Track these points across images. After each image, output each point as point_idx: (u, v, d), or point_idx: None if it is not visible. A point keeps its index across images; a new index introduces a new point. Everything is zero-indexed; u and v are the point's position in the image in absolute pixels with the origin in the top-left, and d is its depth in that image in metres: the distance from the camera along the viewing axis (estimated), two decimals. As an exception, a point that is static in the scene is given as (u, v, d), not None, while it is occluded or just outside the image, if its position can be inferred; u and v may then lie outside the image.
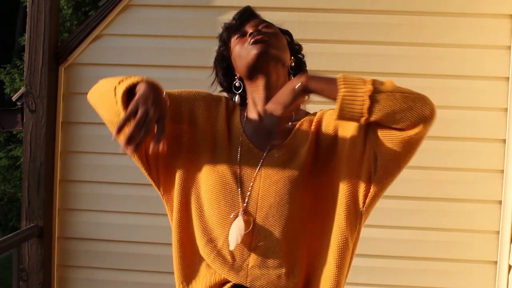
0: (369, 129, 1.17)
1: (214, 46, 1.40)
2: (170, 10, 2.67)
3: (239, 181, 1.24)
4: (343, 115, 1.11)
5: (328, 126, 1.26)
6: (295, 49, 1.38)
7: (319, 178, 1.24)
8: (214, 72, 1.41)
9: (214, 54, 1.40)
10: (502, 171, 2.51)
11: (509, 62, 2.50)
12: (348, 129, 1.22)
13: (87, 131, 2.70)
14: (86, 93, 1.44)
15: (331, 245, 1.20)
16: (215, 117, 1.33)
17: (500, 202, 2.51)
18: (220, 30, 1.37)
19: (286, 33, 1.37)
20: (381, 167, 1.22)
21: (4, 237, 2.43)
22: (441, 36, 2.55)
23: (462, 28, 2.54)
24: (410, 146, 1.17)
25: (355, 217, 1.21)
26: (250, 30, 1.28)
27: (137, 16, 2.67)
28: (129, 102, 1.18)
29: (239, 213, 1.22)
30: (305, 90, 1.15)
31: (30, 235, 2.58)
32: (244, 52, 1.27)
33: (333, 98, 1.11)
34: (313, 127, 1.27)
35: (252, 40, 1.25)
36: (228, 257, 1.22)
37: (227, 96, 1.40)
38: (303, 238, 1.22)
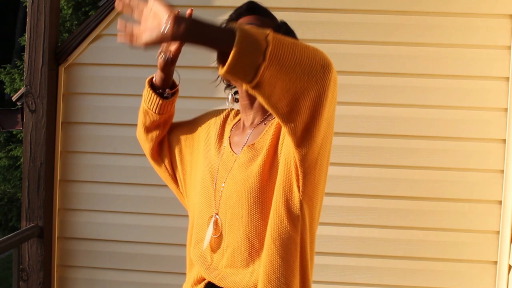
0: None
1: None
2: (170, 10, 2.67)
3: (215, 184, 1.28)
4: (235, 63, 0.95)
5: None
6: None
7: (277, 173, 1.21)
8: None
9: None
10: (502, 171, 2.51)
11: (509, 62, 2.50)
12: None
13: (87, 131, 2.70)
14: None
15: (272, 235, 1.15)
16: (212, 127, 1.42)
17: (500, 202, 2.51)
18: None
19: (282, 27, 1.33)
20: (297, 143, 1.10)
21: (4, 237, 2.43)
22: (441, 36, 2.55)
23: (462, 28, 2.54)
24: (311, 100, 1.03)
25: (294, 204, 1.14)
26: None
27: (137, 16, 2.67)
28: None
29: (213, 215, 1.27)
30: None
31: (30, 235, 2.58)
32: None
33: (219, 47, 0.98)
34: (275, 125, 1.26)
35: None
36: (208, 258, 1.29)
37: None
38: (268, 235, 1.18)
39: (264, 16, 1.32)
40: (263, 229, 1.19)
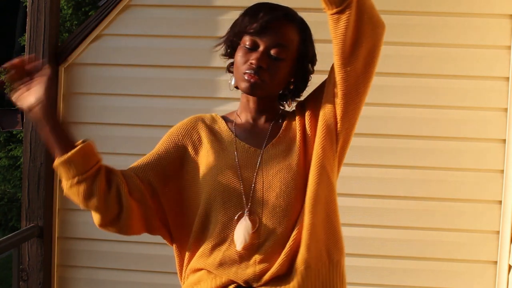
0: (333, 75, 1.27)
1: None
2: (170, 10, 2.67)
3: (241, 182, 1.26)
4: None
5: (308, 111, 1.32)
6: (303, 68, 1.38)
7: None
8: (227, 34, 1.37)
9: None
10: (502, 171, 2.51)
11: (509, 62, 2.50)
12: (319, 102, 1.30)
13: (87, 131, 2.69)
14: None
15: (316, 206, 1.26)
16: (195, 134, 1.36)
17: (500, 202, 2.51)
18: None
19: (306, 49, 1.39)
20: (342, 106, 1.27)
21: (4, 237, 2.43)
22: (441, 36, 2.55)
23: (462, 28, 2.54)
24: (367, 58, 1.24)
25: (333, 169, 1.30)
26: (253, 59, 1.25)
27: (137, 16, 2.67)
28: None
29: (245, 213, 1.24)
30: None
31: (30, 235, 2.58)
32: (239, 74, 1.29)
33: None
34: (298, 117, 1.32)
35: (246, 77, 1.26)
36: (236, 258, 1.24)
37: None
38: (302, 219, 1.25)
39: (292, 22, 1.38)
40: (299, 216, 1.25)
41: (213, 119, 1.39)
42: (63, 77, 2.69)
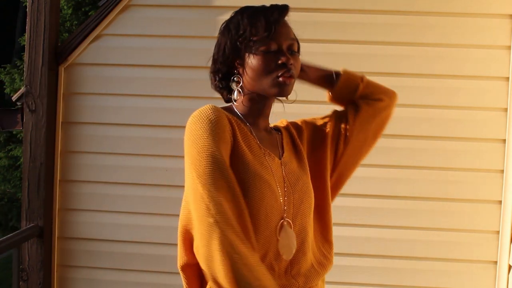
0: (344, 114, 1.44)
1: (214, 46, 1.38)
2: (170, 10, 2.67)
3: (280, 190, 1.21)
4: (345, 83, 1.46)
5: (308, 128, 1.42)
6: None
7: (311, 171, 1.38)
8: (215, 49, 1.30)
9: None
10: (502, 171, 2.51)
11: (509, 62, 2.50)
12: (324, 125, 1.42)
13: (87, 131, 2.70)
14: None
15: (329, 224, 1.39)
16: (228, 131, 1.19)
17: (500, 202, 2.51)
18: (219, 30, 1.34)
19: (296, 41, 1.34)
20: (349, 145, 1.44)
21: (4, 237, 2.43)
22: (441, 36, 2.55)
23: (462, 28, 2.54)
24: (380, 119, 1.52)
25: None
26: (283, 60, 1.21)
27: (137, 16, 2.67)
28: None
29: (285, 221, 1.19)
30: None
31: (30, 235, 2.58)
32: (267, 79, 1.22)
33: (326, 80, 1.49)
34: (294, 133, 1.39)
35: (281, 80, 1.21)
36: (276, 269, 1.18)
37: (217, 80, 1.32)
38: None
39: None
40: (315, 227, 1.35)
41: (229, 119, 1.22)
42: (63, 77, 2.69)
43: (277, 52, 1.23)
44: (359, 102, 1.45)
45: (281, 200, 1.20)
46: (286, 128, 1.40)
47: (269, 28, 1.22)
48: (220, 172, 1.08)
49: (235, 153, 1.17)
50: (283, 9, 1.27)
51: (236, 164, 1.16)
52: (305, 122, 1.44)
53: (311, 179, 1.33)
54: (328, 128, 1.40)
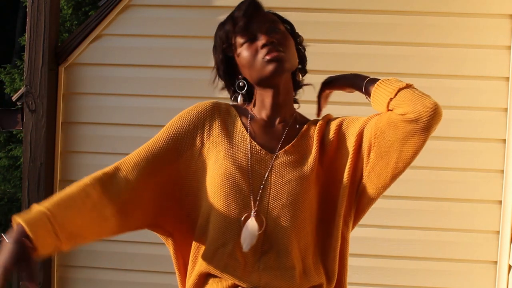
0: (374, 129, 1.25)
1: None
2: (170, 10, 2.67)
3: (250, 183, 1.23)
4: (378, 92, 1.28)
5: (334, 132, 1.28)
6: (296, 42, 1.34)
7: (324, 178, 1.26)
8: (215, 69, 1.37)
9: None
10: (502, 171, 2.51)
11: (509, 62, 2.50)
12: (353, 134, 1.26)
13: (87, 131, 2.70)
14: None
15: (333, 244, 1.24)
16: (207, 123, 1.29)
17: (500, 202, 2.51)
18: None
19: (287, 23, 1.34)
20: (373, 169, 1.28)
21: (4, 237, 2.43)
22: (441, 36, 2.55)
23: (462, 28, 2.54)
24: (410, 142, 1.28)
25: (350, 216, 1.27)
26: (263, 41, 1.23)
27: (137, 16, 2.67)
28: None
29: (251, 215, 1.20)
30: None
31: (30, 235, 2.58)
32: (257, 65, 1.24)
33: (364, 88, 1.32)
34: (317, 131, 1.28)
35: (268, 58, 1.22)
36: (241, 260, 1.20)
37: (231, 94, 1.38)
38: (311, 237, 1.23)
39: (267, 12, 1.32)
40: (310, 231, 1.22)
41: (227, 111, 1.32)
42: (63, 77, 2.69)
43: (256, 38, 1.26)
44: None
45: (250, 193, 1.22)
46: (319, 123, 1.31)
47: (237, 23, 1.26)
48: (141, 154, 1.30)
49: (209, 143, 1.28)
50: (248, 2, 1.28)
51: (208, 153, 1.27)
52: (345, 121, 1.32)
53: (322, 187, 1.25)
54: (357, 138, 1.26)
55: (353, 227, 1.28)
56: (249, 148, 1.26)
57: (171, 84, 2.65)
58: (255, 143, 1.27)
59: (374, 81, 1.29)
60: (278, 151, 1.26)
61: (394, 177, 1.31)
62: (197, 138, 1.29)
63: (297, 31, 1.36)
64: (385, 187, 1.29)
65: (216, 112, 1.31)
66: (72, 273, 2.73)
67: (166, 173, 1.28)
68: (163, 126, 1.31)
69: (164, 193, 1.29)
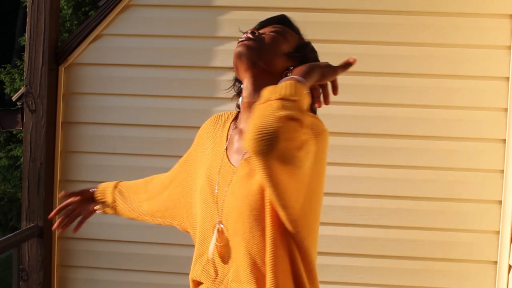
0: None
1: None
2: (170, 10, 2.67)
3: (216, 195, 1.24)
4: None
5: None
6: (301, 59, 1.29)
7: None
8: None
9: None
10: (502, 171, 2.51)
11: (509, 62, 2.50)
12: None
13: (87, 131, 2.70)
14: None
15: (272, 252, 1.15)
16: (206, 135, 1.38)
17: (500, 202, 2.51)
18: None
19: (305, 46, 1.31)
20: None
21: (4, 237, 2.43)
22: (441, 36, 2.55)
23: (462, 28, 2.54)
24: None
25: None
26: (248, 31, 1.27)
27: (137, 16, 2.67)
28: None
29: (216, 227, 1.23)
30: None
31: (30, 235, 2.58)
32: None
33: None
34: None
35: (238, 41, 1.26)
36: (212, 271, 1.24)
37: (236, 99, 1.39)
38: (273, 251, 1.14)
39: (291, 29, 1.31)
40: (264, 246, 1.15)
41: (225, 121, 1.36)
42: (63, 77, 2.69)
43: None
44: None
45: (215, 205, 1.24)
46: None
47: (263, 25, 1.32)
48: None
49: (201, 157, 1.36)
50: (283, 17, 1.34)
51: (200, 167, 1.36)
52: None
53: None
54: None
55: (309, 231, 1.18)
56: (221, 162, 1.28)
57: (171, 84, 2.65)
58: (226, 156, 1.28)
59: (296, 77, 1.15)
60: (238, 164, 1.24)
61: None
62: (198, 154, 1.39)
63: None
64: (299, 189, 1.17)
65: (211, 128, 1.37)
66: (72, 273, 2.72)
67: (178, 184, 1.43)
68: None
69: (176, 199, 1.44)
